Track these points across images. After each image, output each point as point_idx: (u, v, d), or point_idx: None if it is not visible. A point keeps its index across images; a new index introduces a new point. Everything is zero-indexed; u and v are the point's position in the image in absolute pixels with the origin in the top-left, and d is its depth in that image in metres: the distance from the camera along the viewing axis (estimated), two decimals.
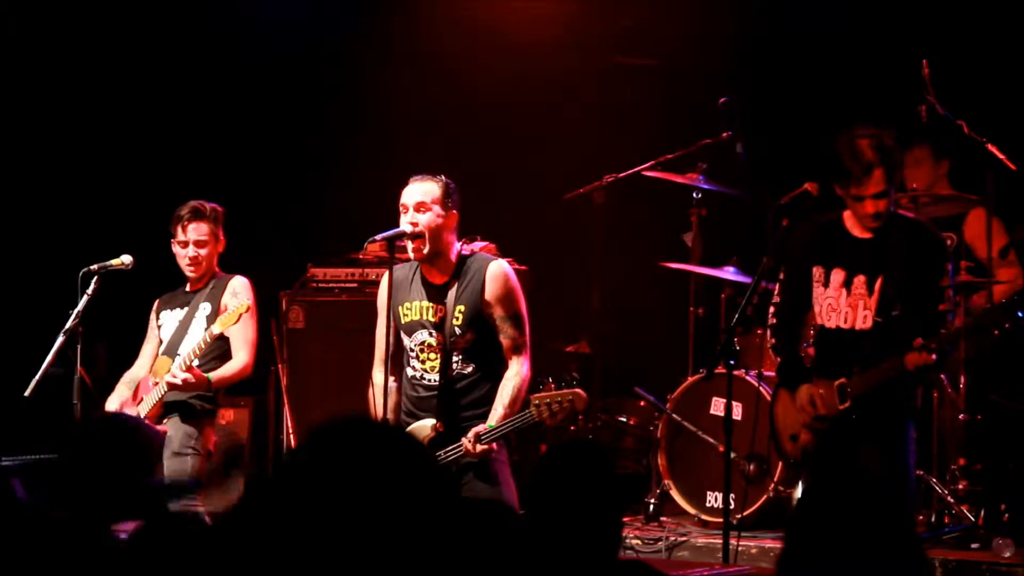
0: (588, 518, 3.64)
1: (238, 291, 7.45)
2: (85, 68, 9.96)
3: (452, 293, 6.64)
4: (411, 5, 10.25)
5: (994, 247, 7.74)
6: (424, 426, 6.65)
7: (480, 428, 6.46)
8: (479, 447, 6.42)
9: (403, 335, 6.79)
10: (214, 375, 7.31)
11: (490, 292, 6.61)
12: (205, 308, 7.49)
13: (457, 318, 6.62)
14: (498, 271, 6.65)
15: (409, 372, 6.76)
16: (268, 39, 9.88)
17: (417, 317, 6.71)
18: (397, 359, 6.87)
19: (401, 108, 10.11)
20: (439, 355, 6.66)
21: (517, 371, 6.57)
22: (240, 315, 7.17)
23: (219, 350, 7.44)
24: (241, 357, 7.41)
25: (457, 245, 6.75)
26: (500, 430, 6.43)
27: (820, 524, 3.13)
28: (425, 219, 6.59)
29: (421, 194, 6.65)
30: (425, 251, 6.61)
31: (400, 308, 6.75)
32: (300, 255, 8.87)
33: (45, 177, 9.87)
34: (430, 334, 6.68)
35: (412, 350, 6.73)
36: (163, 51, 10.07)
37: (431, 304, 6.68)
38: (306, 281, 8.74)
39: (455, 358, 6.66)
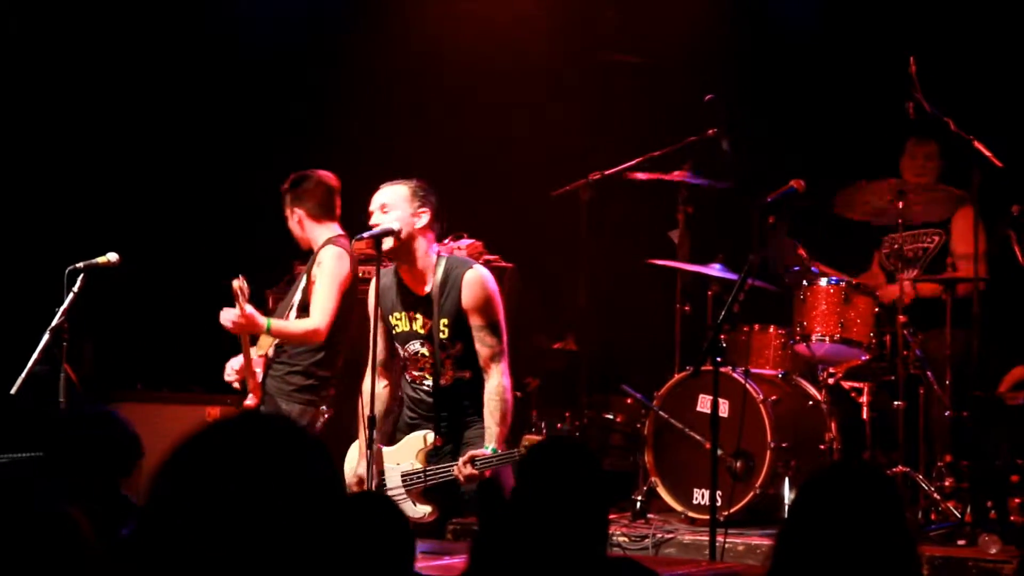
0: (575, 515, 3.64)
1: (321, 260, 7.44)
2: (74, 64, 9.93)
3: (435, 305, 6.62)
4: (399, 3, 10.23)
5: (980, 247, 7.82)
6: (418, 437, 6.67)
7: (476, 452, 6.47)
8: (468, 470, 6.43)
9: (397, 345, 6.80)
10: (273, 322, 7.29)
11: (467, 300, 6.59)
12: (302, 280, 7.54)
13: (443, 331, 6.62)
14: (474, 278, 6.61)
15: (407, 378, 6.79)
16: (256, 35, 9.87)
17: (407, 328, 6.72)
18: (391, 364, 6.88)
19: (389, 104, 10.11)
20: (432, 363, 6.68)
21: (499, 382, 6.55)
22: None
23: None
24: (310, 320, 7.36)
25: (435, 248, 6.72)
26: (491, 462, 6.43)
27: (814, 522, 3.14)
28: (387, 218, 6.57)
29: (385, 196, 6.66)
30: (390, 246, 6.59)
31: (390, 318, 6.75)
32: (287, 252, 8.85)
33: (31, 174, 9.84)
34: (422, 344, 6.69)
35: (407, 358, 6.75)
36: (153, 47, 10.06)
37: (418, 316, 6.68)
38: (293, 278, 8.72)
39: (450, 366, 6.67)
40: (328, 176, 7.72)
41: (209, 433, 2.34)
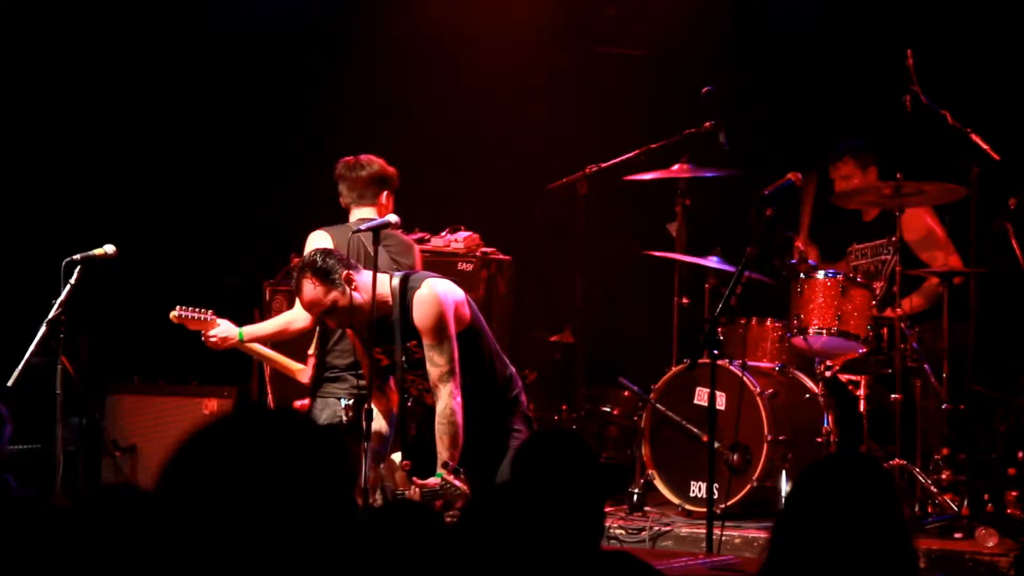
0: (570, 507, 3.63)
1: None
2: (69, 56, 9.91)
3: (396, 329, 6.54)
4: None
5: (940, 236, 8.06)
6: (393, 460, 6.61)
7: (423, 482, 6.34)
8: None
9: (389, 375, 6.76)
10: (246, 330, 7.29)
11: (417, 320, 6.48)
12: None
13: (416, 352, 6.55)
14: (423, 297, 6.48)
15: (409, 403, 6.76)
16: (255, 27, 9.85)
17: (390, 360, 6.66)
18: (379, 393, 6.80)
19: (387, 97, 10.09)
20: (423, 385, 6.64)
21: (446, 404, 6.42)
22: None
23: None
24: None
25: (384, 280, 6.56)
26: (437, 494, 6.29)
27: (810, 515, 3.13)
28: (334, 316, 6.48)
29: (308, 304, 6.50)
30: (350, 323, 6.55)
31: (374, 354, 6.66)
32: (284, 244, 8.85)
33: (28, 166, 9.83)
34: (408, 369, 6.63)
35: (404, 383, 6.69)
36: (150, 38, 10.03)
37: (393, 346, 6.61)
38: (290, 270, 8.71)
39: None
40: (366, 162, 7.46)
41: (214, 429, 2.33)
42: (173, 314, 7.22)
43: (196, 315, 7.29)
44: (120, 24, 9.97)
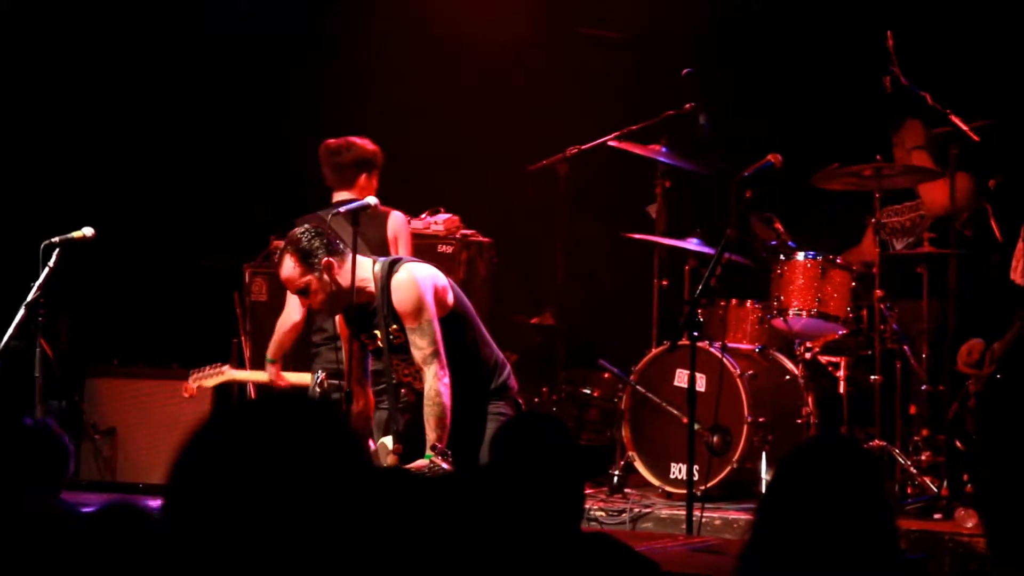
0: (549, 490, 3.63)
1: None
2: (48, 39, 9.87)
3: (379, 315, 6.51)
4: None
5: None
6: (385, 444, 6.59)
7: (412, 465, 6.31)
8: None
9: (373, 360, 6.74)
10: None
11: (396, 304, 6.44)
12: None
13: (399, 337, 6.52)
14: (400, 281, 6.45)
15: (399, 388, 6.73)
16: (236, 9, 9.82)
17: (374, 346, 6.63)
18: (365, 382, 6.77)
19: (366, 78, 10.06)
20: (410, 370, 6.60)
21: (431, 385, 6.37)
22: None
23: None
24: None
25: (367, 266, 6.55)
26: (424, 475, 6.28)
27: (792, 496, 3.14)
28: (307, 297, 6.45)
29: (284, 280, 6.49)
30: (329, 308, 6.56)
31: (360, 340, 6.64)
32: (264, 227, 8.83)
33: (5, 148, 9.78)
34: (392, 354, 6.59)
35: (390, 369, 6.64)
36: (131, 20, 9.99)
37: (377, 331, 6.58)
38: (270, 253, 8.70)
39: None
40: (346, 146, 7.60)
41: (220, 420, 2.28)
42: (191, 387, 7.52)
43: (211, 372, 7.71)
44: (99, 9, 9.93)
